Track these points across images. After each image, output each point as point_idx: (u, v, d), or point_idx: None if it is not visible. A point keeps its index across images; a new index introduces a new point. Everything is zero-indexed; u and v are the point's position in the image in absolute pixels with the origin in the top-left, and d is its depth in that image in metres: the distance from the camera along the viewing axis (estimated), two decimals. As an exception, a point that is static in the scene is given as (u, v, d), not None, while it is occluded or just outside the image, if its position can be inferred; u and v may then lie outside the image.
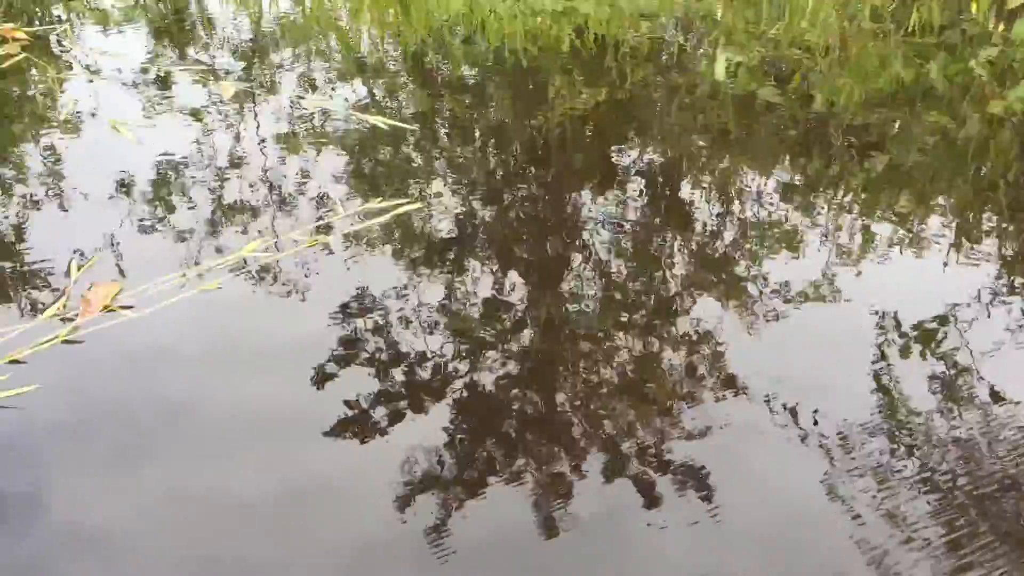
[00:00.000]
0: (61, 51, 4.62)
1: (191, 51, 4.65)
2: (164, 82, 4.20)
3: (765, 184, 3.32)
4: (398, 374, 2.34)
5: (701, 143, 3.68)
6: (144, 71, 4.32)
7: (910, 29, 4.74)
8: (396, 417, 2.21)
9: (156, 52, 4.64)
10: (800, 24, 4.96)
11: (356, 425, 2.18)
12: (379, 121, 3.71)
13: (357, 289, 2.66)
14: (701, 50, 4.73)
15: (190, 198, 3.18)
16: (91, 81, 4.22)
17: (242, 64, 4.45)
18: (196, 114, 3.84)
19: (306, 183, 3.29)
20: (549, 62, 4.51)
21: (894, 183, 3.33)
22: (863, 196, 3.24)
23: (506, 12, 5.13)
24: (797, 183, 3.33)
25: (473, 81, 4.34)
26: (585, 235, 2.94)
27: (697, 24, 5.10)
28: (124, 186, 3.26)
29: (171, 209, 3.11)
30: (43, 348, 2.40)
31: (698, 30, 5.02)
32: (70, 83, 4.21)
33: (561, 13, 5.14)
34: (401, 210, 3.04)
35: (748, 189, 3.28)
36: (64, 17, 5.16)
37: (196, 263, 2.78)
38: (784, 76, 4.28)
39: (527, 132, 3.74)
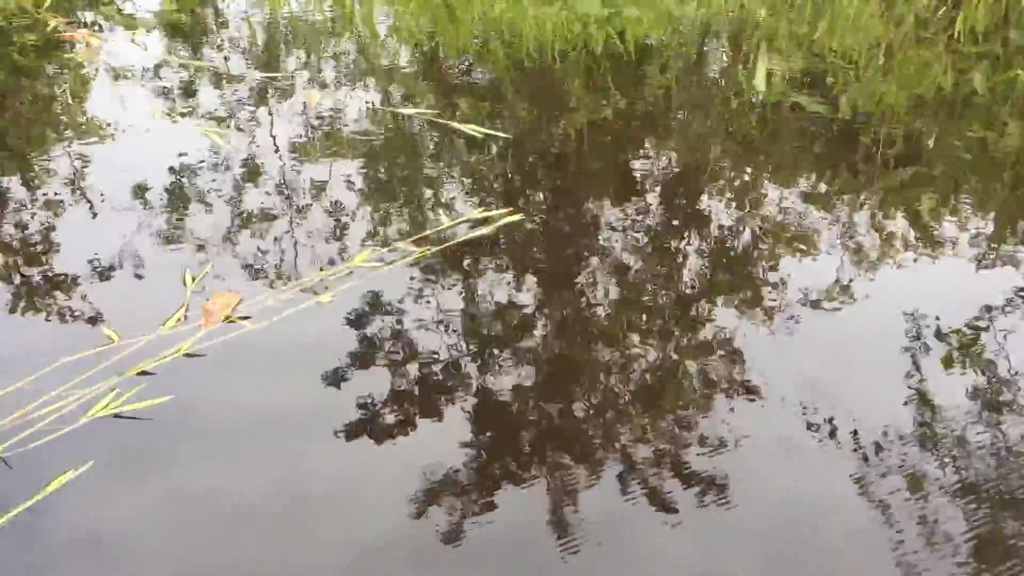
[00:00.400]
0: (131, 55, 4.62)
1: (255, 58, 4.65)
2: (241, 89, 4.19)
3: (818, 194, 3.37)
4: (536, 384, 2.36)
5: (756, 154, 3.73)
6: (216, 78, 4.31)
7: (955, 36, 4.81)
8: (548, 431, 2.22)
9: (220, 59, 4.63)
10: (842, 28, 5.02)
11: (495, 437, 2.21)
12: (470, 129, 3.72)
13: (472, 300, 2.67)
14: (743, 56, 4.78)
15: (289, 206, 3.17)
16: (166, 87, 4.22)
17: (294, 70, 4.45)
18: (284, 122, 3.83)
19: (408, 192, 3.28)
20: (595, 67, 4.54)
21: (950, 194, 3.39)
22: (917, 206, 3.28)
23: (549, 18, 5.16)
24: (846, 193, 3.37)
25: (525, 87, 4.36)
26: (668, 244, 2.99)
27: (739, 29, 5.14)
28: (227, 194, 3.25)
29: (272, 218, 3.10)
30: (168, 359, 2.41)
31: (739, 36, 5.07)
32: (146, 88, 4.21)
33: (606, 19, 5.18)
34: (503, 221, 3.07)
35: (802, 199, 3.33)
36: (102, 24, 5.14)
37: (307, 273, 2.79)
38: (826, 85, 4.32)
39: (606, 138, 3.77)
